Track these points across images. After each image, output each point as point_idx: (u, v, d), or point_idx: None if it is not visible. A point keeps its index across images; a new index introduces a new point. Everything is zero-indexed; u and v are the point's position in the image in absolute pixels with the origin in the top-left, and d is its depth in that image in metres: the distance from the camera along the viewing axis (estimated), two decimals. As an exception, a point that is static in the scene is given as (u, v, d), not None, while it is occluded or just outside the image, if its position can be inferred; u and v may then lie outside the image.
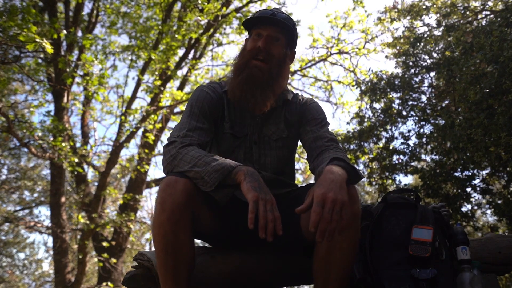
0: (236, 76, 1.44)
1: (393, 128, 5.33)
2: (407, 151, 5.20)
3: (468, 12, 5.38)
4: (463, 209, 4.68)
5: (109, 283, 6.63)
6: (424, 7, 5.59)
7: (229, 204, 1.29)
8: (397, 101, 5.26)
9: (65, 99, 6.74)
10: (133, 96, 7.17)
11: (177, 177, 1.22)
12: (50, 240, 14.76)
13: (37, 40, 3.48)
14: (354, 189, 1.18)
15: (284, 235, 1.14)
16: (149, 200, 11.88)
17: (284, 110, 1.53)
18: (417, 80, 5.18)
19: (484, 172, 4.64)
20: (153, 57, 6.38)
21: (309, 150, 1.46)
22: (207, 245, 1.58)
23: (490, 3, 5.41)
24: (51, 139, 5.63)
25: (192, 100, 1.47)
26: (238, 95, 1.43)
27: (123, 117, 6.59)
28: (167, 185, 1.20)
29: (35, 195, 10.77)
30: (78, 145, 6.77)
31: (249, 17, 1.50)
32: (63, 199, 6.89)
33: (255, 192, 1.13)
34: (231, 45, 8.15)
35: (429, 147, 5.08)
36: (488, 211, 5.14)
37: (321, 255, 1.20)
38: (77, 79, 6.20)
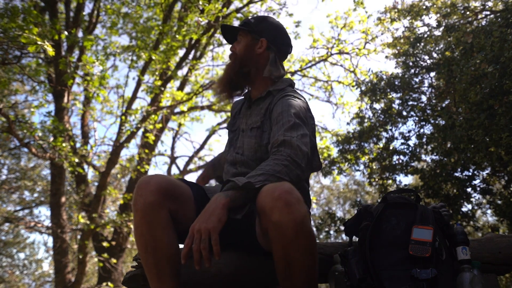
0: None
1: (393, 129, 5.33)
2: (407, 151, 5.20)
3: (468, 12, 5.38)
4: (463, 209, 4.68)
5: (109, 283, 6.64)
6: (424, 7, 5.59)
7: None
8: (397, 102, 5.27)
9: (65, 99, 6.74)
10: (134, 96, 7.17)
11: (149, 177, 1.27)
12: (50, 240, 14.77)
13: (39, 42, 3.48)
14: (288, 195, 1.09)
15: (247, 235, 1.21)
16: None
17: (270, 102, 1.57)
18: (417, 80, 5.18)
19: (484, 172, 4.65)
20: (153, 58, 6.39)
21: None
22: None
23: (490, 3, 5.41)
24: (52, 139, 5.63)
25: None
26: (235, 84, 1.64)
27: (123, 117, 6.60)
28: (138, 186, 1.25)
29: (35, 195, 10.77)
30: (78, 145, 6.77)
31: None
32: (63, 199, 6.90)
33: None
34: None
35: (429, 147, 5.08)
36: (489, 211, 5.15)
37: (279, 268, 1.17)
38: (78, 80, 6.20)
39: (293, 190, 1.11)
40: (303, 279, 1.15)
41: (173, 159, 9.46)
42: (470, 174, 4.61)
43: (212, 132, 9.10)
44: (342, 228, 1.58)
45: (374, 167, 5.47)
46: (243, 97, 1.72)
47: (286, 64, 8.15)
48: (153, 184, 1.23)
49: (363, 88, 5.46)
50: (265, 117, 1.55)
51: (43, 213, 24.39)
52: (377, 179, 5.41)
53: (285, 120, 1.39)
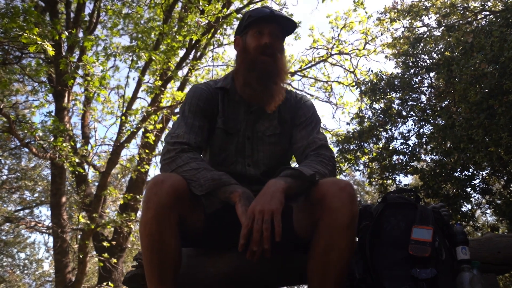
0: (248, 72, 1.46)
1: (393, 128, 5.34)
2: (407, 151, 5.21)
3: (467, 13, 5.39)
4: (463, 209, 4.69)
5: (109, 283, 6.64)
6: (424, 7, 5.60)
7: (220, 211, 1.31)
8: (397, 101, 5.28)
9: (66, 100, 6.74)
10: (134, 97, 7.18)
11: (164, 177, 1.23)
12: (50, 240, 14.77)
13: (39, 42, 3.49)
14: (352, 189, 1.18)
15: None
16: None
17: (279, 107, 1.53)
18: (417, 80, 5.19)
19: (484, 172, 4.65)
20: (153, 58, 6.39)
21: (298, 157, 1.48)
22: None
23: (489, 3, 5.42)
24: (52, 139, 5.64)
25: (187, 98, 1.50)
26: (258, 89, 1.45)
27: (123, 118, 6.60)
28: (154, 184, 1.21)
29: (36, 195, 10.79)
30: (78, 145, 6.78)
31: (251, 15, 1.50)
32: (63, 199, 6.90)
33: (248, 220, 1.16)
34: (231, 45, 8.16)
35: (429, 147, 5.09)
36: (488, 211, 5.16)
37: (317, 254, 1.19)
38: (78, 80, 6.21)
39: (353, 187, 1.20)
40: (338, 269, 1.19)
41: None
42: (470, 174, 4.61)
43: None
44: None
45: (374, 167, 5.48)
46: (208, 87, 1.53)
47: (286, 64, 8.16)
48: (169, 184, 1.20)
49: (363, 88, 5.47)
50: (279, 121, 1.52)
51: (44, 213, 24.44)
52: (377, 179, 5.42)
53: (314, 124, 1.50)
